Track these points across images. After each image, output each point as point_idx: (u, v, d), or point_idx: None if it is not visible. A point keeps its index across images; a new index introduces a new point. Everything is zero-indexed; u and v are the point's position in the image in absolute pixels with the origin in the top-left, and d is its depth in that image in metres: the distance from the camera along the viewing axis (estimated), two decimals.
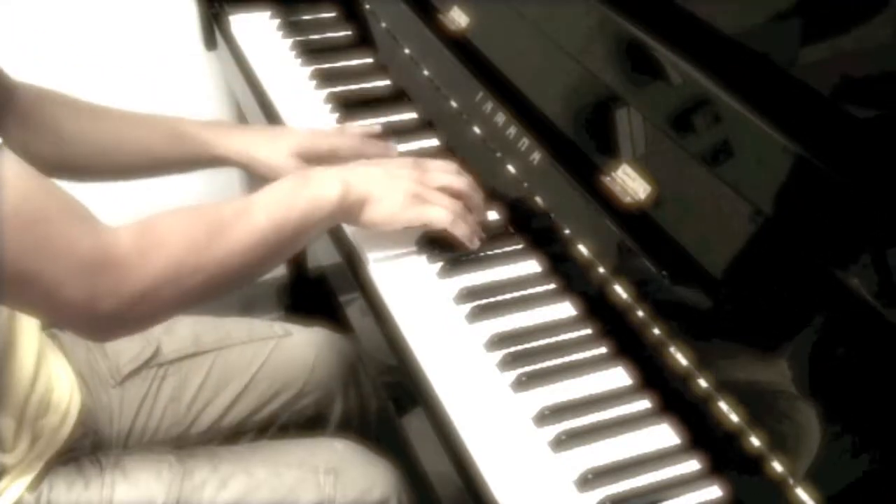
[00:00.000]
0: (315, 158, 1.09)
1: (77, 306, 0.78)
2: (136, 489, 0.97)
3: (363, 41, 1.39)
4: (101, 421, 1.07)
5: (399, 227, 0.97)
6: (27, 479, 0.93)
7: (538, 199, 1.02)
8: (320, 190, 0.92)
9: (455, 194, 0.99)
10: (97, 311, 0.79)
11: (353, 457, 1.07)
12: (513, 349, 0.90)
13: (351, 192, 0.93)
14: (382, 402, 1.29)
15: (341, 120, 1.23)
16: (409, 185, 0.96)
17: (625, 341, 0.90)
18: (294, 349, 1.20)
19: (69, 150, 1.05)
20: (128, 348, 1.10)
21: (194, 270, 0.83)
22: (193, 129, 1.11)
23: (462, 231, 0.98)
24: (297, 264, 1.86)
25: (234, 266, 0.86)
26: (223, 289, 0.87)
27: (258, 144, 1.11)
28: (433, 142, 1.20)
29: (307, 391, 1.19)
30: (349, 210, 0.94)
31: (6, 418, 0.92)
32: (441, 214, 0.96)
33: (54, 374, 0.99)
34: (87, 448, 1.01)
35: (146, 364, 1.11)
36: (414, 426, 0.92)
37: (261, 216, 0.88)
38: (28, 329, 0.95)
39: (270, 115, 1.27)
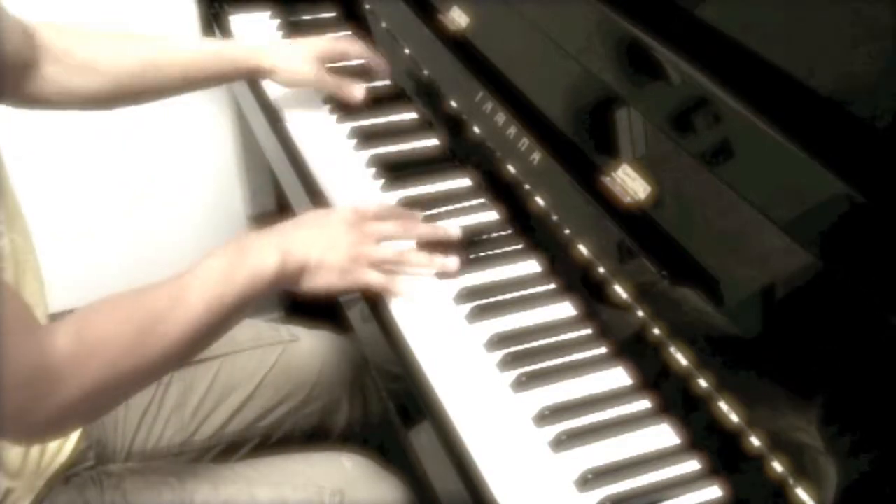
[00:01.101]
0: (330, 60, 1.23)
1: (9, 417, 0.75)
2: None
3: (363, 41, 1.39)
4: (105, 430, 1.06)
5: (339, 292, 0.98)
6: (27, 500, 0.92)
7: (538, 199, 1.02)
8: (258, 262, 0.89)
9: (399, 237, 0.99)
10: (30, 420, 0.76)
11: (361, 475, 1.07)
12: (513, 349, 0.90)
13: (289, 261, 0.91)
14: (387, 409, 1.29)
15: (342, 120, 1.23)
16: (348, 249, 0.94)
17: (625, 341, 0.90)
18: (301, 355, 1.20)
19: (104, 79, 1.10)
20: None
21: (129, 372, 0.81)
22: (220, 46, 1.21)
23: (398, 288, 0.96)
24: None
25: (169, 359, 0.84)
26: (158, 378, 0.88)
27: (279, 52, 1.21)
28: (433, 142, 1.20)
29: (314, 397, 1.18)
30: (287, 279, 0.92)
31: None
32: (377, 280, 0.95)
33: None
34: (90, 459, 1.01)
35: None
36: (416, 429, 0.92)
37: (196, 303, 0.84)
38: None
39: (271, 115, 1.27)
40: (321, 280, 0.94)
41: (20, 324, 0.75)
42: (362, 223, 0.97)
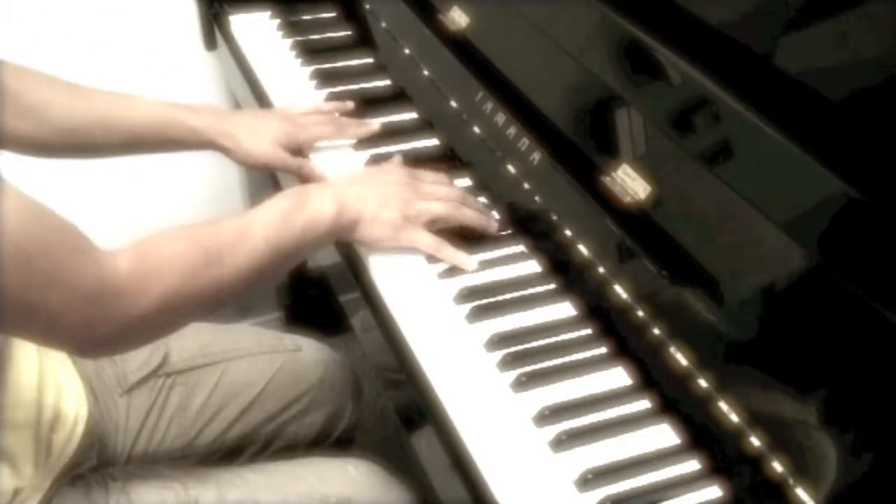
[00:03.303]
0: (299, 146, 1.15)
1: (75, 333, 0.79)
2: None
3: (363, 41, 1.39)
4: (107, 430, 1.06)
5: (391, 247, 0.99)
6: (34, 501, 0.92)
7: (538, 200, 1.02)
8: (316, 210, 0.94)
9: (447, 215, 1.00)
10: (94, 337, 0.80)
11: (367, 481, 1.06)
12: (513, 349, 0.90)
13: (345, 212, 0.95)
14: (389, 417, 1.28)
15: None
16: (401, 208, 0.98)
17: (625, 341, 0.90)
18: (303, 364, 1.20)
19: (50, 128, 1.05)
20: (135, 356, 1.09)
21: (191, 295, 0.84)
22: (179, 113, 1.12)
23: (449, 256, 0.99)
24: (297, 264, 1.85)
25: (230, 288, 0.88)
26: (219, 307, 0.89)
27: (244, 133, 1.13)
28: (433, 142, 1.20)
29: (315, 406, 1.18)
30: (342, 230, 0.96)
31: (23, 433, 0.91)
32: (427, 242, 0.99)
33: (62, 382, 0.98)
34: (92, 459, 1.01)
35: (154, 373, 1.11)
36: (416, 430, 0.92)
37: (258, 239, 0.89)
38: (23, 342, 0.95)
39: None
40: (374, 233, 0.97)
41: (72, 244, 0.78)
42: (418, 183, 1.01)
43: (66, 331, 0.78)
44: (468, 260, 0.99)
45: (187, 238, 0.86)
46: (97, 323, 0.79)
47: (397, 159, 1.12)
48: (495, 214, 1.06)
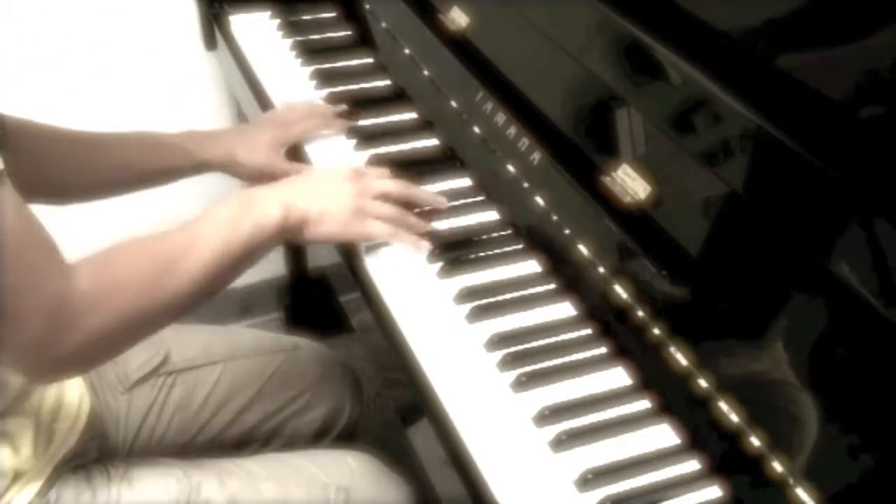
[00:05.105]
0: (291, 144, 1.17)
1: (31, 347, 0.79)
2: (144, 501, 0.97)
3: (363, 41, 1.39)
4: (108, 426, 1.06)
5: (341, 242, 1.00)
6: (36, 485, 0.93)
7: (538, 199, 1.02)
8: (262, 213, 0.93)
9: (396, 200, 1.01)
10: (49, 353, 0.80)
11: (366, 473, 1.07)
12: (513, 349, 0.90)
13: (292, 212, 0.95)
14: (388, 414, 1.29)
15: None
16: (349, 201, 0.98)
17: (625, 341, 0.90)
18: (302, 363, 1.20)
19: (51, 179, 1.05)
20: (136, 355, 1.10)
21: (145, 310, 0.85)
22: (173, 140, 1.14)
23: (406, 239, 1.00)
24: (297, 264, 1.85)
25: (181, 300, 0.88)
26: (170, 321, 0.90)
27: (236, 147, 1.15)
28: (433, 142, 1.20)
29: (314, 404, 1.19)
30: (291, 230, 0.96)
31: (25, 420, 0.92)
32: (381, 229, 0.99)
33: None
34: (93, 452, 1.01)
35: (154, 372, 1.11)
36: (416, 429, 0.92)
37: (206, 248, 0.89)
38: None
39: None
40: (324, 230, 0.97)
41: (46, 250, 0.78)
42: (364, 178, 1.01)
43: (23, 344, 0.78)
44: (425, 243, 1.00)
45: (141, 252, 0.87)
46: (54, 340, 0.79)
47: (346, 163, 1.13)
48: (494, 214, 1.06)
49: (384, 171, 1.06)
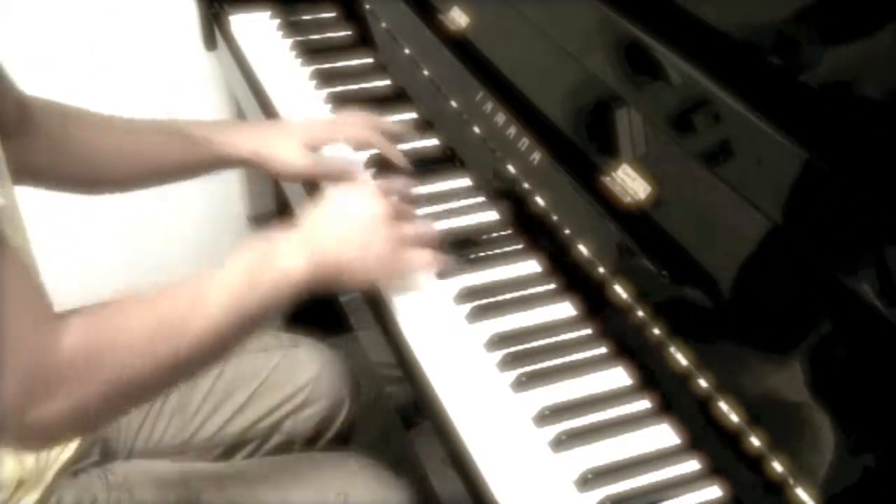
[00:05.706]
0: (318, 146, 1.10)
1: (7, 407, 0.68)
2: None
3: (363, 41, 1.39)
4: (108, 428, 1.06)
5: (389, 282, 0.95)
6: (37, 493, 0.92)
7: (538, 199, 1.02)
8: (285, 265, 0.83)
9: (427, 242, 0.95)
10: (28, 418, 0.69)
11: (366, 476, 1.06)
12: (513, 349, 0.90)
13: (321, 262, 0.85)
14: (388, 415, 1.28)
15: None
16: (382, 246, 0.89)
17: (625, 341, 0.90)
18: (300, 360, 1.20)
19: (93, 167, 1.01)
20: None
21: (141, 376, 0.75)
22: (203, 132, 1.08)
23: (444, 261, 0.96)
24: None
25: (185, 365, 0.78)
26: (173, 387, 0.82)
27: (268, 141, 1.08)
28: (433, 142, 1.20)
29: (312, 402, 1.19)
30: (324, 281, 0.86)
31: None
32: (422, 260, 0.94)
33: None
34: (95, 455, 1.01)
35: None
36: (416, 430, 0.92)
37: (215, 308, 0.78)
38: None
39: (270, 116, 1.27)
40: (365, 274, 0.90)
41: (29, 315, 0.69)
42: (396, 223, 0.92)
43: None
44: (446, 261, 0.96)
45: (141, 309, 0.76)
46: (32, 402, 0.69)
47: (366, 176, 1.10)
48: (495, 214, 1.06)
49: (405, 182, 1.02)
